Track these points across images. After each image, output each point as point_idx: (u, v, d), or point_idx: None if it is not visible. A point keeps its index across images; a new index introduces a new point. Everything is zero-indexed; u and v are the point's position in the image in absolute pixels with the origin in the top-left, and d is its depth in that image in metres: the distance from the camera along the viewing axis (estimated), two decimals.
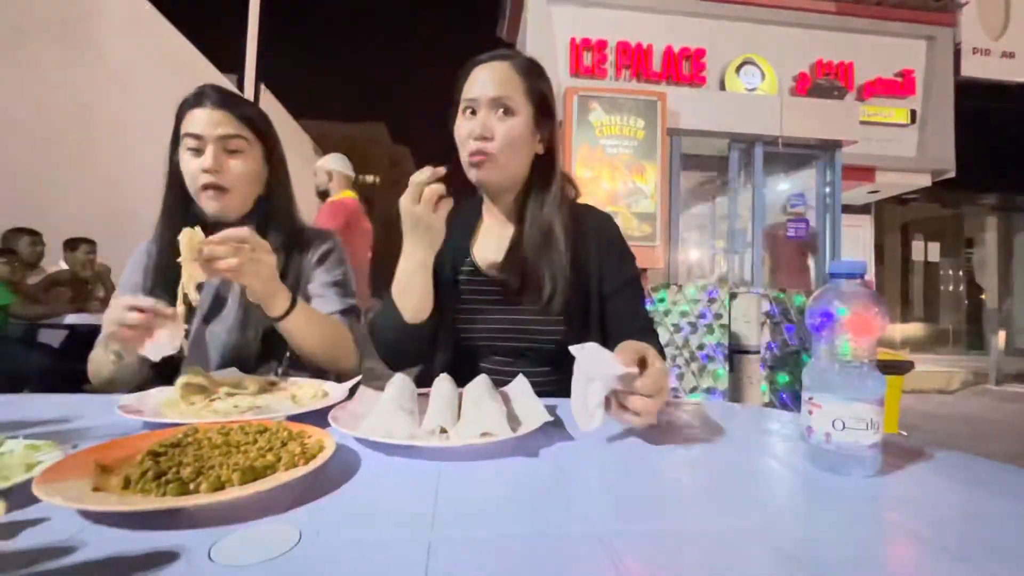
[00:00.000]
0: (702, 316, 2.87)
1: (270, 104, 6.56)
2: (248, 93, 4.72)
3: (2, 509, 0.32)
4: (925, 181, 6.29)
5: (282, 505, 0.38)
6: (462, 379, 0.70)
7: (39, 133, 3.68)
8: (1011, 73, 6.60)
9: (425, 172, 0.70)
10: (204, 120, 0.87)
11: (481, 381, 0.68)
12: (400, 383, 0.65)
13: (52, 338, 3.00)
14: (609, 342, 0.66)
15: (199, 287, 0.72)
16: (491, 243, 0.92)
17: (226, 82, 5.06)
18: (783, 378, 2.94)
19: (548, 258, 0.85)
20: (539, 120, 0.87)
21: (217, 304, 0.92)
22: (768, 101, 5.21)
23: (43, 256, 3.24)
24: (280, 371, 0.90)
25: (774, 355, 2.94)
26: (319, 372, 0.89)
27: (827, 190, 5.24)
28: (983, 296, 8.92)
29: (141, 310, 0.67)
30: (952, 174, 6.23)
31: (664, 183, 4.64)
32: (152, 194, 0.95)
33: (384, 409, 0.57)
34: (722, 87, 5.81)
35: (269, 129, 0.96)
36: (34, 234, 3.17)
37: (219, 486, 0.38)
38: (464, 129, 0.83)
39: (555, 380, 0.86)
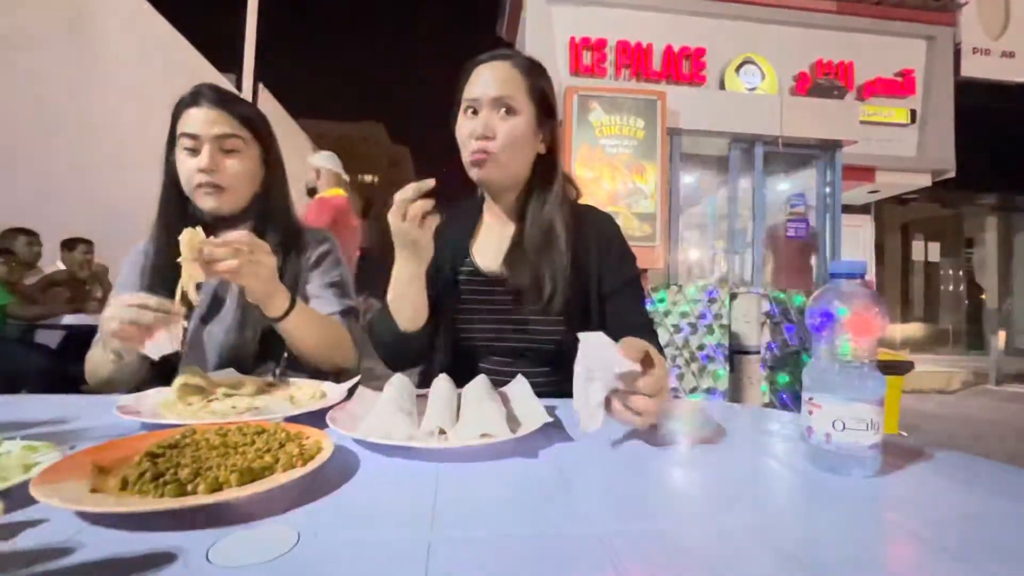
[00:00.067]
0: (702, 316, 2.87)
1: (268, 104, 6.54)
2: (246, 93, 4.72)
3: (0, 510, 0.32)
4: (925, 181, 6.30)
5: (280, 506, 0.38)
6: (461, 379, 0.70)
7: (37, 133, 3.67)
8: (1011, 73, 6.61)
9: (409, 190, 0.68)
10: (200, 119, 0.86)
11: (480, 382, 0.67)
12: (399, 384, 0.64)
13: (49, 339, 2.99)
14: None
15: (198, 287, 0.72)
16: (491, 242, 0.92)
17: (225, 82, 5.05)
18: (783, 378, 2.94)
19: (549, 258, 0.85)
20: (541, 119, 0.87)
21: (215, 304, 0.92)
22: (768, 101, 5.21)
23: (40, 256, 3.24)
24: (278, 372, 0.90)
25: (774, 355, 2.94)
26: (317, 373, 0.89)
27: (827, 190, 5.24)
28: (983, 296, 8.92)
29: (148, 307, 0.67)
30: (952, 174, 6.23)
31: (664, 183, 4.64)
32: (150, 194, 0.95)
33: (383, 410, 0.57)
34: (722, 87, 5.81)
35: (266, 129, 0.96)
36: (31, 234, 3.17)
37: (217, 487, 0.38)
38: (466, 129, 0.83)
39: (554, 380, 0.85)
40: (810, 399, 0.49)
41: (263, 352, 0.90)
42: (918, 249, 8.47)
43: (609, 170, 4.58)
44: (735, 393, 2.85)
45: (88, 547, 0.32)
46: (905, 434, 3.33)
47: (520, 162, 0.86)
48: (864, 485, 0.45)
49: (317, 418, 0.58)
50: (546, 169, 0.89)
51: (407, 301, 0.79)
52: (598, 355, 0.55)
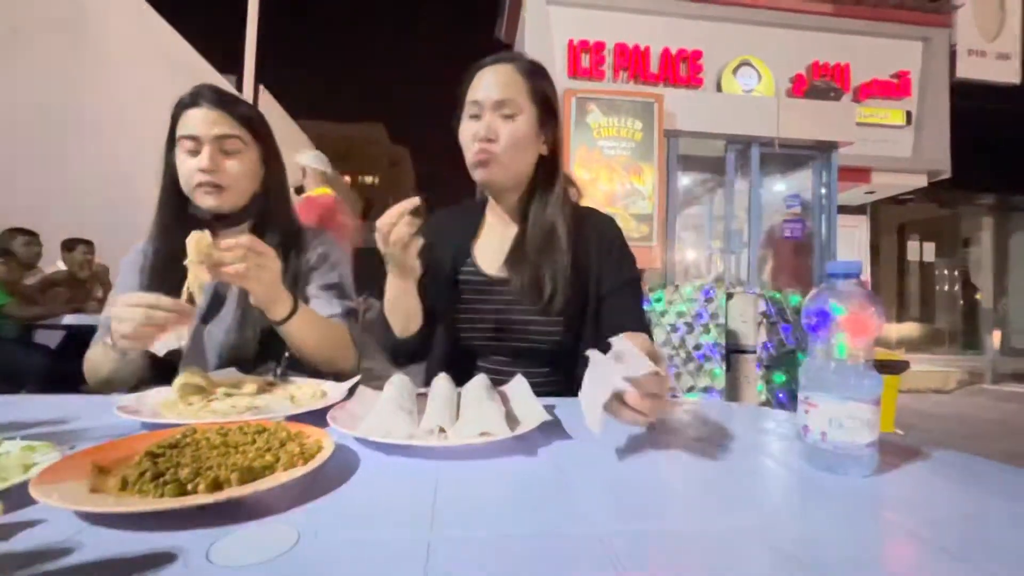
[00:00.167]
0: (699, 316, 2.88)
1: (268, 104, 6.52)
2: (247, 94, 4.70)
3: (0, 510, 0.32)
4: (921, 182, 6.32)
5: (281, 505, 0.38)
6: (461, 379, 0.70)
7: (37, 133, 3.66)
8: (1006, 74, 6.64)
9: (392, 214, 0.68)
10: (200, 120, 0.86)
11: (480, 381, 0.67)
12: (399, 383, 0.64)
13: (49, 339, 2.98)
14: (602, 342, 0.66)
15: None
16: (493, 243, 0.92)
17: (225, 83, 5.03)
18: (779, 377, 2.95)
19: (550, 258, 0.85)
20: (543, 121, 0.87)
21: (215, 304, 0.91)
22: (765, 102, 5.23)
23: (40, 256, 3.22)
24: (279, 371, 0.90)
25: (770, 355, 2.95)
26: (317, 372, 0.89)
27: (823, 191, 5.26)
28: (979, 296, 8.96)
29: (160, 308, 0.67)
30: (948, 175, 6.25)
31: (661, 184, 4.65)
32: (150, 194, 0.95)
33: (383, 409, 0.57)
34: (719, 89, 5.82)
35: (266, 129, 0.96)
36: (31, 234, 3.16)
37: (217, 487, 0.38)
38: (469, 131, 0.84)
39: (554, 380, 0.86)
40: (806, 398, 0.49)
41: (264, 352, 0.90)
42: (914, 249, 8.51)
43: (607, 171, 4.59)
44: (731, 392, 2.86)
45: (88, 547, 0.32)
46: (901, 433, 3.34)
47: (522, 163, 0.87)
48: (861, 484, 0.45)
49: (318, 417, 0.58)
50: (548, 170, 0.90)
51: (400, 311, 0.82)
52: (617, 359, 0.54)
